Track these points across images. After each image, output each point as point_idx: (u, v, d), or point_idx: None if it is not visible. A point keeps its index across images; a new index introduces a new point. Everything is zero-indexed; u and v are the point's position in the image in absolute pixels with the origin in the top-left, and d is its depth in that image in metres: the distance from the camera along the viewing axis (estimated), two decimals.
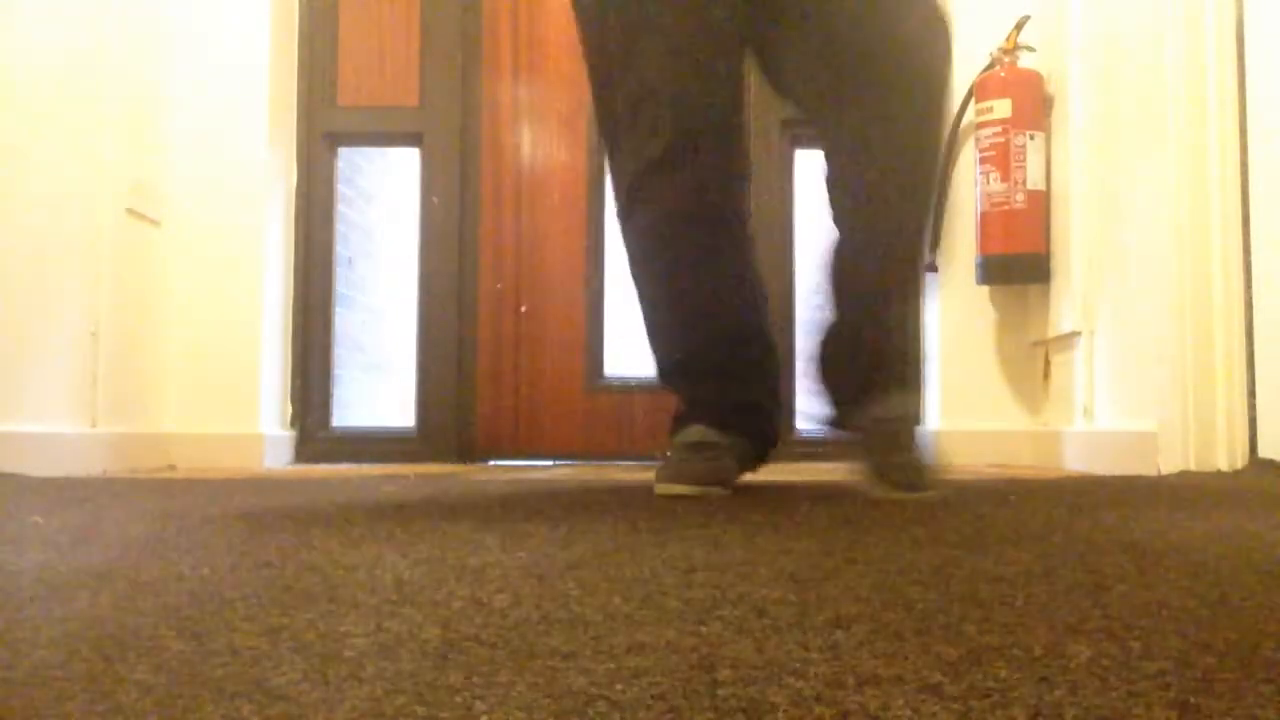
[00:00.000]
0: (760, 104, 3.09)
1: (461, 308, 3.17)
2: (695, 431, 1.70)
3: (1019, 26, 2.79)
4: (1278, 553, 1.03)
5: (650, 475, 1.73)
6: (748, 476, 1.82)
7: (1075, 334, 2.61)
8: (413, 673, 0.58)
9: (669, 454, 1.73)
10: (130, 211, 2.68)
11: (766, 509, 1.44)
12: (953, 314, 2.94)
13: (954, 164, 2.92)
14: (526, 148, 3.23)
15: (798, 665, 0.59)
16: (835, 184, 1.66)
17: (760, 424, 1.79)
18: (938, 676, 0.56)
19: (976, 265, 2.82)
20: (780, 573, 0.89)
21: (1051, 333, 2.76)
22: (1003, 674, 0.57)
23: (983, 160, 2.77)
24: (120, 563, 0.98)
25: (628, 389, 3.17)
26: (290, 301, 3.10)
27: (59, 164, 2.40)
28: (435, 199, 3.19)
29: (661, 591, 0.81)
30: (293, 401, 3.10)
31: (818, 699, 0.53)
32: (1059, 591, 0.81)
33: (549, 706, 0.52)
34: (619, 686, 0.55)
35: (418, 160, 3.22)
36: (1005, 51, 2.79)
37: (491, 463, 3.10)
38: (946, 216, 2.92)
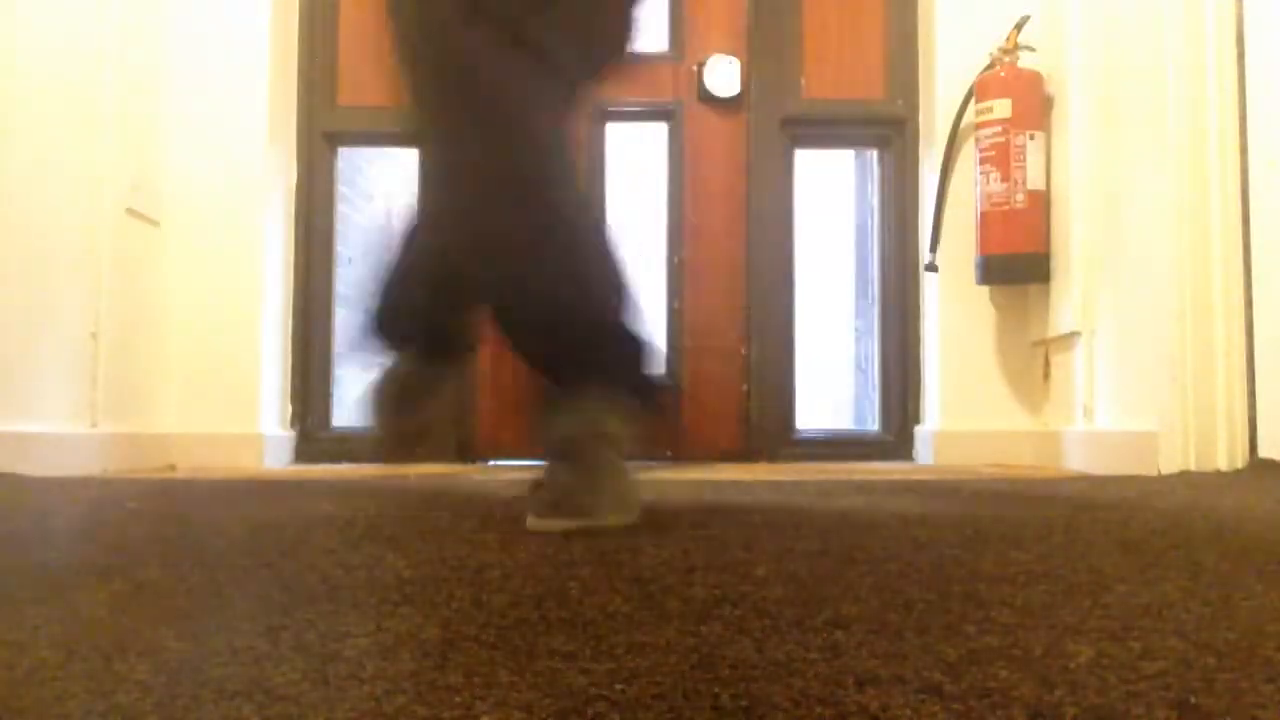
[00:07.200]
0: (760, 104, 3.09)
1: None
2: None
3: (1019, 26, 2.79)
4: (1278, 552, 1.03)
5: (651, 476, 1.73)
6: (755, 475, 1.81)
7: (1075, 334, 2.61)
8: (413, 673, 0.58)
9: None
10: (130, 211, 2.67)
11: (766, 509, 1.44)
12: (953, 314, 2.94)
13: (954, 164, 2.92)
14: None
15: (798, 665, 0.59)
16: None
17: None
18: (938, 676, 0.56)
19: (976, 265, 2.82)
20: (780, 573, 0.89)
21: (1051, 333, 2.76)
22: (1003, 674, 0.57)
23: (983, 160, 2.77)
24: (120, 563, 0.98)
25: None
26: (290, 301, 3.10)
27: (59, 164, 2.39)
28: None
29: (662, 591, 0.81)
30: (293, 401, 3.10)
31: (818, 699, 0.53)
32: (1059, 591, 0.81)
33: (549, 706, 0.52)
34: (619, 686, 0.55)
35: (418, 160, 3.22)
36: (1005, 51, 2.79)
37: (491, 463, 3.10)
38: (946, 216, 2.92)
